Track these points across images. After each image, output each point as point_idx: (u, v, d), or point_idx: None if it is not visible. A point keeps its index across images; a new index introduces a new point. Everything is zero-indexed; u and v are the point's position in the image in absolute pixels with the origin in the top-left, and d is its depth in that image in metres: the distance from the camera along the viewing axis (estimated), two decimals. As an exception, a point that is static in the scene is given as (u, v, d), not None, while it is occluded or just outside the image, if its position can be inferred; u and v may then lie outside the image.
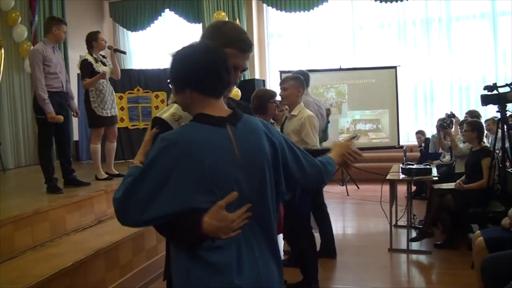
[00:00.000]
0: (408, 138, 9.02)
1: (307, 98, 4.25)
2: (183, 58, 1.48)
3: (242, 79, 8.76)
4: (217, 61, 1.45)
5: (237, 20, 9.18)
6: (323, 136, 4.78)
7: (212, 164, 1.38)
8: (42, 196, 4.58)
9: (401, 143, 8.45)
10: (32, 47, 6.50)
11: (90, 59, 5.23)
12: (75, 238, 4.06)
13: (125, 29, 10.76)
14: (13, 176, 6.70)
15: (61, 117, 4.69)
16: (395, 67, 8.47)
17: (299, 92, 3.66)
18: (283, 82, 3.79)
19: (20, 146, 7.59)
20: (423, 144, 7.69)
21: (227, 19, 8.10)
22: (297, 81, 3.68)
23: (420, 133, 7.95)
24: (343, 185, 8.22)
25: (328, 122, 5.07)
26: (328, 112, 5.16)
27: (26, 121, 7.72)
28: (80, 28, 8.09)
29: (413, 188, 6.86)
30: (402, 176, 4.79)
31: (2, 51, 7.12)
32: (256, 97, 3.86)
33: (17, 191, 5.37)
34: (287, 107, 3.81)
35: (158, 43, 10.48)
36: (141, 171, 1.40)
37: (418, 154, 7.68)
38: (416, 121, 9.33)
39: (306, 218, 3.70)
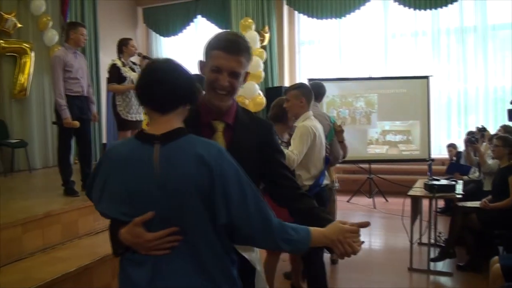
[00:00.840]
0: (440, 151, 8.68)
1: (314, 109, 4.04)
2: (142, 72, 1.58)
3: (270, 86, 8.86)
4: (152, 78, 1.49)
5: (266, 27, 9.13)
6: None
7: (129, 179, 1.43)
8: (57, 198, 4.61)
9: (432, 156, 8.15)
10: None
11: (119, 63, 5.35)
12: (86, 242, 4.06)
13: (157, 35, 10.90)
14: (37, 177, 6.82)
15: (76, 123, 4.74)
16: (427, 77, 8.20)
17: (301, 102, 3.43)
18: (285, 92, 3.63)
19: (48, 147, 7.73)
20: (454, 158, 7.39)
21: (254, 26, 8.04)
22: (299, 90, 3.48)
23: (451, 147, 7.64)
24: (370, 198, 8.02)
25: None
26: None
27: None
28: (113, 33, 8.23)
29: (442, 203, 6.62)
30: (424, 192, 4.59)
31: (33, 54, 7.31)
32: (277, 106, 3.75)
33: (35, 192, 5.44)
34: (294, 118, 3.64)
35: (190, 49, 10.54)
36: (94, 173, 1.56)
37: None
38: (449, 133, 8.97)
39: None
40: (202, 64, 1.73)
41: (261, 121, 1.89)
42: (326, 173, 3.65)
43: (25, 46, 7.26)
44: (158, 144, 1.44)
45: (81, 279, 3.37)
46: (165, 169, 1.42)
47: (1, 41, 6.95)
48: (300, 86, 3.58)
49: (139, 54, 5.55)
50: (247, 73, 1.75)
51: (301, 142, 3.28)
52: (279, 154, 1.84)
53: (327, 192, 3.68)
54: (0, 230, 3.48)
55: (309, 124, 3.40)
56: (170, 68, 1.51)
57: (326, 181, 3.57)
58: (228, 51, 1.62)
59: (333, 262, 4.74)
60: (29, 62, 7.28)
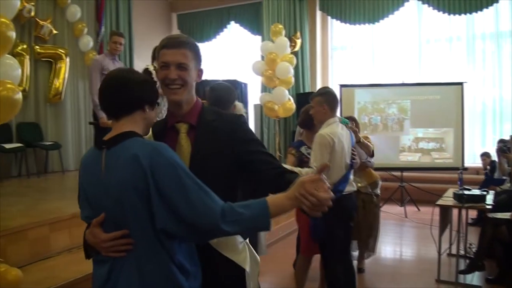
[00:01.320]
0: (474, 160, 8.41)
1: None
2: None
3: (302, 91, 8.81)
4: (103, 86, 1.60)
5: (298, 33, 9.11)
6: None
7: (85, 184, 1.56)
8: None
9: (466, 165, 7.92)
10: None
11: (151, 68, 5.48)
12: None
13: (192, 41, 11.01)
14: (70, 178, 6.99)
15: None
16: (461, 83, 7.96)
17: (324, 109, 3.39)
18: (311, 99, 3.58)
19: (82, 149, 7.93)
20: (488, 167, 7.14)
21: (284, 32, 8.02)
22: (322, 97, 3.42)
23: (485, 155, 7.38)
24: (401, 206, 7.86)
25: None
26: None
27: (88, 125, 8.06)
28: (148, 39, 8.40)
29: (474, 214, 6.42)
30: (454, 201, 4.45)
31: (68, 60, 7.53)
32: (304, 112, 3.76)
33: (66, 193, 5.56)
34: None
35: (223, 54, 10.62)
36: None
37: (483, 177, 7.15)
38: (483, 142, 8.69)
39: (340, 244, 3.45)
40: (156, 72, 1.79)
41: (227, 116, 1.84)
42: (352, 179, 3.56)
43: (61, 51, 7.49)
44: (105, 149, 1.52)
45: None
46: (107, 173, 1.49)
47: (37, 47, 7.20)
48: (323, 92, 3.52)
49: None
50: (200, 70, 1.79)
51: (320, 152, 3.25)
52: (251, 143, 1.78)
53: (354, 199, 3.57)
54: (28, 230, 3.59)
55: (328, 131, 3.35)
56: (118, 75, 1.60)
57: (350, 188, 3.47)
58: (171, 46, 1.69)
59: (360, 270, 4.65)
60: (64, 67, 7.51)
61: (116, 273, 1.49)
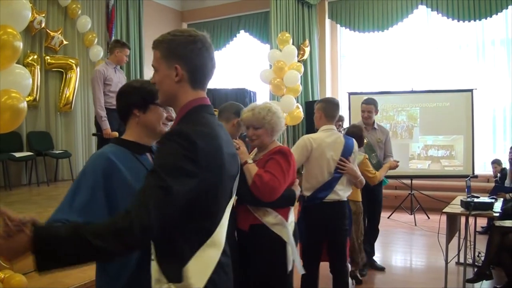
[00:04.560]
0: (484, 168, 8.32)
1: None
2: None
3: (310, 99, 8.81)
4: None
5: (306, 41, 9.12)
6: None
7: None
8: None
9: (477, 173, 7.83)
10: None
11: None
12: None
13: (201, 50, 11.08)
14: (80, 187, 7.06)
15: (116, 134, 4.93)
16: (471, 90, 7.90)
17: (320, 116, 3.58)
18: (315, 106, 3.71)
19: (92, 159, 7.98)
20: (498, 175, 7.05)
21: (291, 40, 8.05)
22: (320, 104, 3.58)
23: (496, 163, 7.28)
24: (411, 214, 7.79)
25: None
26: None
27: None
28: (158, 49, 8.43)
29: (484, 222, 6.36)
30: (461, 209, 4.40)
31: (78, 70, 7.63)
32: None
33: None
34: None
35: (233, 63, 10.67)
36: None
37: (494, 184, 7.06)
38: (494, 149, 8.60)
39: (308, 249, 3.46)
40: None
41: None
42: (339, 189, 3.45)
43: (71, 62, 7.60)
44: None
45: None
46: None
47: (48, 57, 7.31)
48: (324, 100, 3.64)
49: None
50: (175, 67, 1.51)
51: (296, 152, 3.32)
52: (149, 174, 1.37)
53: (339, 208, 3.44)
54: (34, 236, 3.62)
55: (312, 135, 3.48)
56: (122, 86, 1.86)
57: (333, 196, 3.40)
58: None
59: (356, 281, 4.53)
60: (75, 77, 7.61)
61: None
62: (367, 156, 4.48)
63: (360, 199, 4.43)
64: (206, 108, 1.55)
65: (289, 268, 2.67)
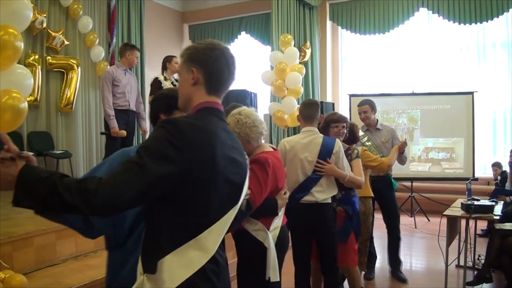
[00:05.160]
0: (485, 170, 8.32)
1: None
2: None
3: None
4: None
5: (307, 43, 9.13)
6: None
7: None
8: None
9: (477, 175, 7.83)
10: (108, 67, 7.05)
11: (161, 78, 5.67)
12: (120, 251, 4.15)
13: (202, 51, 11.10)
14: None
15: (124, 132, 5.09)
16: (472, 93, 7.89)
17: (299, 119, 3.75)
18: None
19: (93, 159, 8.00)
20: (499, 178, 7.05)
21: (293, 42, 8.06)
22: (300, 107, 3.73)
23: (496, 166, 7.28)
24: (411, 217, 7.79)
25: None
26: None
27: (99, 135, 8.15)
28: (159, 50, 8.50)
29: (485, 225, 6.36)
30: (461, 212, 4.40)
31: (79, 70, 7.63)
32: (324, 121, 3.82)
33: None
34: None
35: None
36: None
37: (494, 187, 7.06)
38: (495, 152, 8.60)
39: (294, 249, 3.52)
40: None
41: None
42: (316, 190, 3.39)
43: (72, 62, 7.60)
44: None
45: (107, 287, 3.45)
46: None
47: (49, 57, 7.32)
48: (302, 103, 3.72)
49: None
50: (192, 70, 1.60)
51: None
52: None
53: (317, 209, 3.38)
54: (34, 237, 3.63)
55: (288, 138, 3.60)
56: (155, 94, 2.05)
57: (309, 198, 3.36)
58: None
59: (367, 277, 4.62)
60: (76, 78, 7.62)
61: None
62: (365, 148, 4.30)
63: (371, 194, 4.24)
64: (215, 111, 1.60)
65: (268, 275, 2.60)
